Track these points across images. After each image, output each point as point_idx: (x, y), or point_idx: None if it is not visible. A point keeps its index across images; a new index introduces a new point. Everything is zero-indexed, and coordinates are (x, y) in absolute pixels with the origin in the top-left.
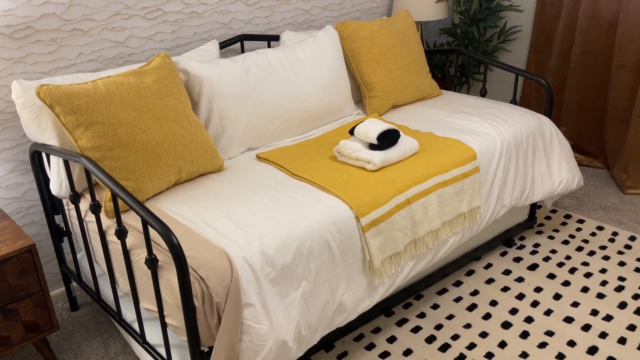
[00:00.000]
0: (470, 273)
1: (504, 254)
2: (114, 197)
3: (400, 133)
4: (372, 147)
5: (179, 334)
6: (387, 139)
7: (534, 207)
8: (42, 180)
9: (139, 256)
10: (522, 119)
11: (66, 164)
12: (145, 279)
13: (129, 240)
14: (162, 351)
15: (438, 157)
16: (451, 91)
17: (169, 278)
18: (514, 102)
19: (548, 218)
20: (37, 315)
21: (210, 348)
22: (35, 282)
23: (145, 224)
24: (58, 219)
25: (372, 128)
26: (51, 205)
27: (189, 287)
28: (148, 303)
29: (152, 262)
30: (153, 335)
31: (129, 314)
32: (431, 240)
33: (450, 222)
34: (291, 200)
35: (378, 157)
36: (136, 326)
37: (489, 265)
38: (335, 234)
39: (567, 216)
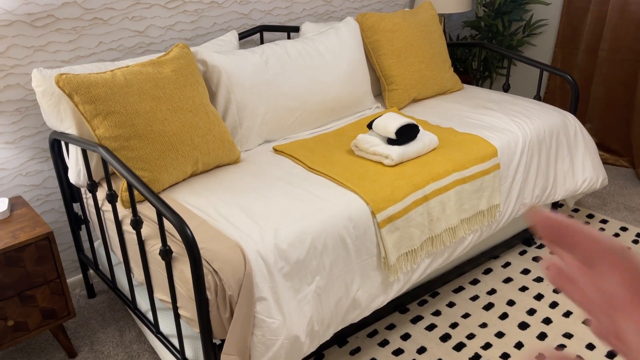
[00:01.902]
0: (487, 271)
1: (523, 252)
2: (130, 187)
3: (420, 128)
4: (390, 141)
5: (192, 326)
6: (406, 133)
7: (556, 205)
8: (61, 168)
9: (154, 247)
10: (546, 115)
11: (84, 153)
12: (160, 269)
13: (144, 231)
14: (175, 342)
15: (458, 153)
16: (473, 86)
17: (183, 270)
18: (537, 97)
19: (570, 217)
20: (53, 302)
21: (223, 341)
22: (53, 270)
23: (160, 215)
24: (76, 207)
25: (391, 122)
26: (70, 193)
27: (202, 279)
28: (162, 294)
29: (166, 254)
30: (167, 325)
31: (143, 303)
32: (448, 238)
33: (468, 220)
34: (307, 194)
35: (396, 152)
36: (150, 316)
37: (507, 264)
38: (350, 229)
39: (590, 216)
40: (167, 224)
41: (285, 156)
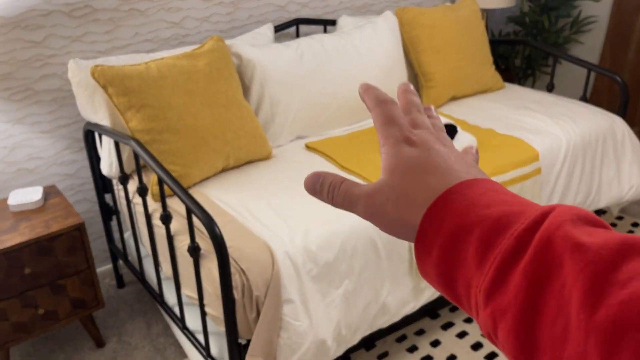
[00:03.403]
0: None
1: None
2: (160, 181)
3: (458, 128)
4: None
5: (218, 324)
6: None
7: (599, 212)
8: (94, 159)
9: (183, 242)
10: (592, 118)
11: (116, 145)
12: (187, 265)
13: (173, 226)
14: (201, 338)
15: (497, 156)
16: (515, 85)
17: (210, 268)
18: (584, 99)
19: (613, 225)
20: (83, 292)
21: (248, 340)
22: (83, 260)
23: (189, 212)
24: (108, 197)
25: None
26: (102, 184)
27: (229, 278)
28: (189, 290)
29: (194, 251)
30: (193, 321)
31: (171, 297)
32: None
33: None
34: None
35: None
36: (177, 310)
37: None
38: (382, 232)
39: (635, 224)
40: (196, 221)
41: (318, 153)
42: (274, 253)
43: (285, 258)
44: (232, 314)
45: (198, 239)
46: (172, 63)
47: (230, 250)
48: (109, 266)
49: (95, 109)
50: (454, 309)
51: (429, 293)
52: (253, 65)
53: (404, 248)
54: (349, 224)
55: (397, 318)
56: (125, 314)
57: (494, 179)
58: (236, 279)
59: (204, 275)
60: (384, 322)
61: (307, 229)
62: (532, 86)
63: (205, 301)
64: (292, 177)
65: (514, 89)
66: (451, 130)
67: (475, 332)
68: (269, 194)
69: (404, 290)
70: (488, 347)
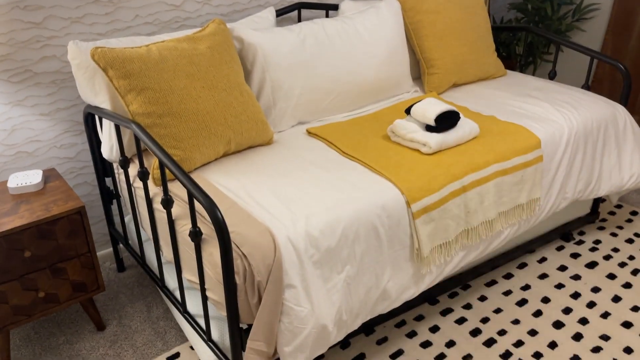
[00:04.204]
0: (522, 266)
1: (560, 248)
2: (162, 165)
3: (460, 115)
4: (428, 128)
5: (219, 309)
6: (446, 120)
7: (598, 200)
8: (95, 142)
9: (184, 227)
10: (594, 106)
11: (117, 128)
12: (189, 250)
13: (174, 210)
14: (202, 322)
15: (499, 144)
16: (517, 72)
17: (212, 252)
18: (586, 87)
19: (612, 213)
20: (84, 275)
21: (250, 325)
22: (84, 244)
23: (190, 196)
24: (109, 181)
25: (430, 108)
26: (102, 167)
27: (231, 263)
28: (190, 274)
29: (195, 235)
30: (194, 305)
31: (171, 281)
32: (485, 231)
33: (506, 213)
34: (340, 180)
35: (434, 139)
36: (178, 294)
37: (543, 260)
38: (383, 219)
39: (634, 213)
40: (197, 205)
41: (319, 139)
42: (275, 238)
43: (287, 243)
44: (233, 299)
45: (199, 224)
46: (173, 46)
47: (232, 235)
48: (109, 250)
49: (96, 91)
50: (452, 295)
51: (429, 279)
52: (254, 49)
53: (406, 234)
54: (351, 210)
55: (397, 304)
56: (125, 298)
57: (495, 166)
58: (238, 264)
59: (205, 260)
60: (384, 308)
61: (309, 214)
62: (533, 74)
63: (207, 286)
64: (294, 162)
65: (515, 76)
66: (454, 117)
67: (474, 318)
68: (270, 179)
69: (405, 276)
70: (486, 333)
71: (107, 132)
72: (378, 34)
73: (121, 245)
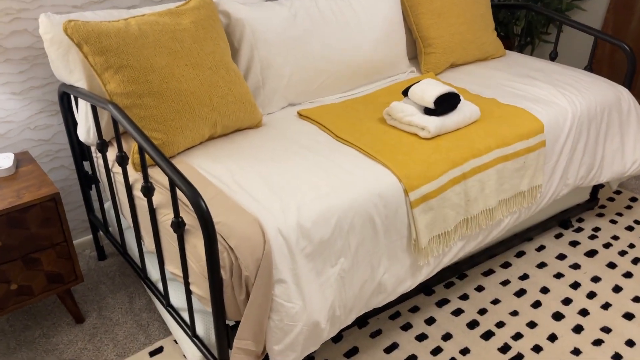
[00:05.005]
0: (520, 255)
1: (559, 236)
2: (141, 150)
3: (461, 97)
4: (427, 111)
5: (204, 304)
6: (445, 103)
7: (597, 186)
8: (71, 123)
9: (166, 216)
10: (598, 88)
11: (94, 109)
12: (171, 240)
13: (155, 198)
14: (186, 316)
15: (500, 128)
16: (516, 52)
17: (196, 244)
18: (588, 68)
19: (611, 199)
20: (60, 266)
21: (237, 322)
22: (59, 233)
23: (172, 184)
24: (87, 165)
25: (429, 90)
26: (80, 150)
27: (217, 257)
28: (173, 266)
29: (178, 226)
30: (178, 298)
31: (154, 272)
32: (485, 220)
33: (507, 201)
34: (334, 166)
35: (434, 123)
36: (161, 286)
37: (541, 248)
38: (380, 208)
39: (633, 199)
40: (180, 194)
41: (311, 122)
42: (265, 229)
43: (277, 235)
44: (219, 295)
45: (182, 213)
46: (154, 20)
47: (217, 227)
48: (89, 237)
49: (70, 69)
50: (448, 285)
51: (427, 271)
52: (242, 24)
53: (403, 224)
54: (346, 198)
55: (393, 297)
56: (106, 288)
57: (497, 152)
58: (224, 258)
59: (189, 252)
60: (379, 302)
61: (301, 203)
62: (531, 54)
63: (191, 279)
64: (284, 146)
65: (515, 57)
66: (454, 99)
67: (471, 309)
68: (259, 165)
69: (401, 268)
70: (484, 325)
71: (83, 113)
72: (374, 11)
73: (102, 232)
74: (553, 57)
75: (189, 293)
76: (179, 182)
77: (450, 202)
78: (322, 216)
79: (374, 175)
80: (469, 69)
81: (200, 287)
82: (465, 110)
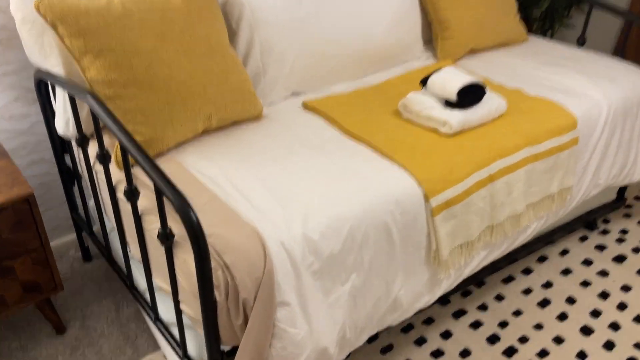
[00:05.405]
0: (542, 259)
1: (584, 239)
2: (123, 149)
3: (486, 88)
4: (448, 104)
5: (196, 326)
6: (470, 95)
7: (622, 190)
8: (50, 113)
9: (153, 224)
10: (633, 78)
11: (72, 99)
12: (159, 252)
13: (141, 202)
14: (176, 331)
15: (529, 123)
16: (538, 37)
17: (186, 259)
18: (620, 55)
19: (638, 198)
20: (36, 274)
21: (234, 347)
22: (34, 238)
23: (158, 191)
24: (69, 158)
25: (452, 80)
26: (60, 143)
27: (209, 276)
28: (161, 280)
29: (166, 238)
30: (168, 311)
31: (142, 280)
32: (511, 227)
33: (535, 205)
34: (344, 167)
35: (456, 118)
36: (149, 297)
37: (565, 252)
38: (397, 216)
39: None
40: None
41: (317, 114)
42: (266, 243)
43: (281, 250)
44: (212, 319)
45: (171, 223)
46: None
47: (210, 240)
48: (72, 236)
49: (45, 53)
50: (466, 294)
51: (446, 284)
52: (241, 3)
53: (422, 234)
54: (358, 206)
55: (409, 314)
56: (91, 294)
57: (526, 150)
58: (218, 276)
59: (178, 268)
60: (394, 319)
61: (308, 211)
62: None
63: (181, 297)
64: (288, 143)
65: (538, 43)
66: (479, 91)
67: (490, 322)
68: (259, 165)
69: (419, 282)
70: (506, 340)
71: (61, 103)
72: None
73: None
74: (582, 42)
75: (179, 312)
76: (164, 188)
77: (475, 207)
78: (332, 226)
79: (391, 178)
80: (490, 56)
81: (191, 307)
82: (491, 104)
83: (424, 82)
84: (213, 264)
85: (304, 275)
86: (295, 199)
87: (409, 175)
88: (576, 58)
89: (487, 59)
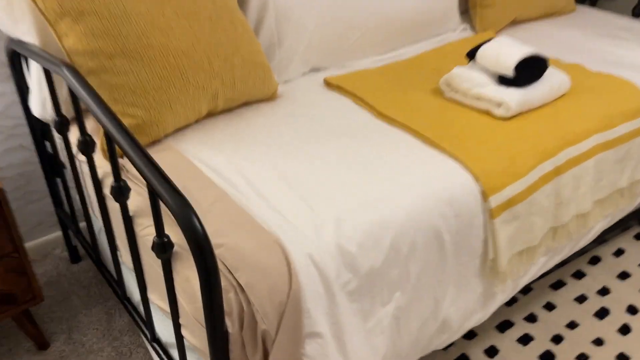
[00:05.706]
0: (595, 261)
1: (639, 237)
2: (108, 137)
3: (548, 62)
4: (503, 81)
5: (201, 355)
6: (530, 70)
7: None
8: (25, 91)
9: (146, 229)
10: None
11: (47, 74)
12: (155, 264)
13: (132, 202)
14: (176, 354)
15: (598, 104)
16: (586, 6)
17: (189, 277)
18: None
19: None
20: (10, 283)
21: None
22: (7, 242)
23: (152, 191)
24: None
25: (507, 52)
26: (40, 127)
27: (219, 300)
28: (157, 297)
29: (163, 248)
30: (167, 330)
31: (136, 290)
32: (576, 228)
33: (602, 202)
34: (382, 159)
35: (514, 97)
36: (143, 311)
37: (619, 252)
38: (450, 219)
39: None
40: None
41: (343, 93)
42: (290, 256)
43: (309, 265)
44: (223, 354)
45: (169, 229)
46: None
47: (219, 251)
48: (58, 233)
49: (15, 17)
50: (510, 302)
51: (502, 298)
52: None
53: (478, 239)
54: (403, 209)
55: (458, 335)
56: (79, 300)
57: (596, 137)
58: (230, 300)
59: (179, 286)
60: (441, 343)
61: (340, 215)
62: None
63: (182, 321)
64: (310, 128)
65: (587, 12)
66: (540, 65)
67: (542, 336)
68: (276, 155)
69: (471, 297)
70: (562, 358)
71: (36, 79)
72: None
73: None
74: (637, 13)
75: (179, 337)
76: (159, 185)
77: (539, 206)
78: (372, 235)
79: (440, 173)
80: (536, 27)
81: (195, 335)
82: (553, 80)
83: (471, 54)
84: (223, 284)
85: (339, 297)
86: (323, 198)
87: (463, 168)
88: (634, 29)
89: (533, 31)
